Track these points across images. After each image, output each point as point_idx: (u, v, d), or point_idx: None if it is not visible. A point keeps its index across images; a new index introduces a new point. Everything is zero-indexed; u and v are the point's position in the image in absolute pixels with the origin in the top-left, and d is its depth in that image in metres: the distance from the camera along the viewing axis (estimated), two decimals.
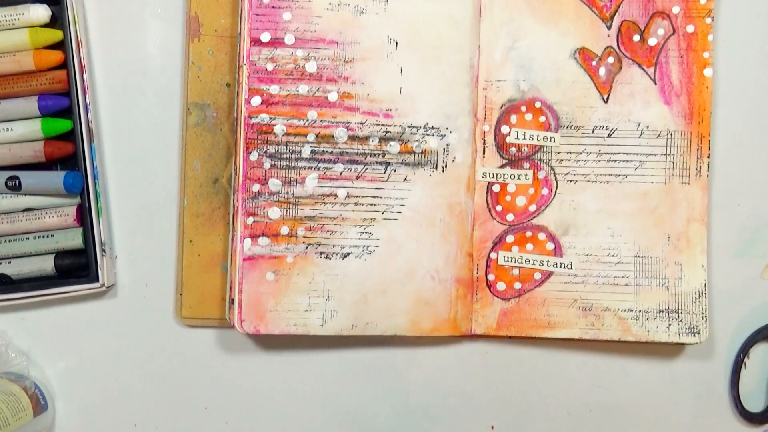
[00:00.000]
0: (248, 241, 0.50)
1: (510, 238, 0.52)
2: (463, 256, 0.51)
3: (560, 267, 0.51)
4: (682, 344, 0.52)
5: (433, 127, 0.51)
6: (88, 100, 0.52)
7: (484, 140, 0.51)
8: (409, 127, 0.51)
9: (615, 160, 0.51)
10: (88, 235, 0.51)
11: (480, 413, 0.54)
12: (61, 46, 0.51)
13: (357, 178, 0.51)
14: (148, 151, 0.53)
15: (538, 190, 0.51)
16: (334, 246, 0.51)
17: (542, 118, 0.51)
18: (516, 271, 0.51)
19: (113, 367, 0.53)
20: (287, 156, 0.50)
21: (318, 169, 0.51)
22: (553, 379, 0.54)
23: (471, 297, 0.51)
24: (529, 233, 0.52)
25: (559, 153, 0.51)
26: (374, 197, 0.51)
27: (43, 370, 0.53)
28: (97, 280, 0.51)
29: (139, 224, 0.53)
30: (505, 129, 0.51)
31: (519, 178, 0.51)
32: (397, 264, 0.51)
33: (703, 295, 0.51)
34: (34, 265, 0.51)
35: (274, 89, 0.50)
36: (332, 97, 0.51)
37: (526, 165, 0.51)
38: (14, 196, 0.51)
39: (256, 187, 0.50)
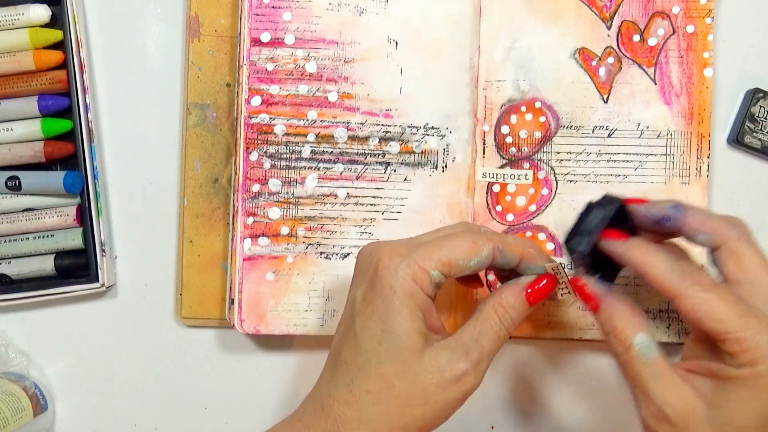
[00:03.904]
0: (248, 241, 0.50)
1: None
2: None
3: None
4: (682, 344, 0.52)
5: (433, 127, 0.51)
6: (88, 100, 0.52)
7: (484, 140, 0.51)
8: (409, 127, 0.51)
9: (615, 160, 0.51)
10: (88, 235, 0.51)
11: (480, 413, 0.54)
12: (61, 46, 0.51)
13: (357, 178, 0.51)
14: (148, 151, 0.53)
15: (538, 190, 0.51)
16: (334, 246, 0.51)
17: (542, 118, 0.51)
18: None
19: (113, 367, 0.53)
20: (287, 156, 0.50)
21: (318, 169, 0.51)
22: (553, 379, 0.54)
23: (471, 297, 0.51)
24: (529, 233, 0.52)
25: (559, 153, 0.51)
26: (374, 197, 0.51)
27: (43, 370, 0.53)
28: (97, 280, 0.51)
29: (139, 224, 0.53)
30: (505, 129, 0.51)
31: (519, 178, 0.51)
32: None
33: None
34: (34, 265, 0.51)
35: (274, 89, 0.50)
36: (332, 97, 0.51)
37: (526, 165, 0.51)
38: (14, 196, 0.51)
39: (256, 187, 0.50)
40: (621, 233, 0.39)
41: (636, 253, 0.38)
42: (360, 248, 0.42)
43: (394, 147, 0.51)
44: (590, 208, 0.41)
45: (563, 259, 0.51)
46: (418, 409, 0.37)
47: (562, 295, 0.41)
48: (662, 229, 0.41)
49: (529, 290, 0.40)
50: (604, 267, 0.41)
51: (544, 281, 0.40)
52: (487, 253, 0.39)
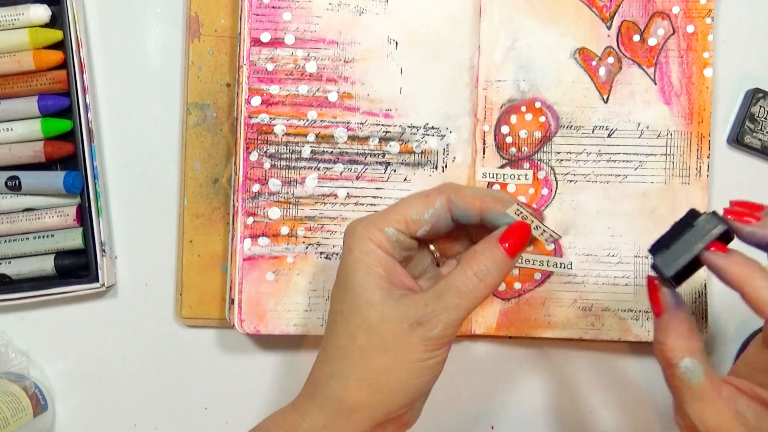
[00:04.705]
0: (248, 241, 0.50)
1: None
2: None
3: (560, 267, 0.51)
4: None
5: (433, 127, 0.51)
6: (88, 100, 0.52)
7: (484, 140, 0.51)
8: (409, 127, 0.51)
9: (615, 160, 0.51)
10: (88, 235, 0.51)
11: (480, 413, 0.54)
12: (61, 46, 0.51)
13: (357, 178, 0.51)
14: (148, 151, 0.53)
15: (538, 190, 0.51)
16: (334, 246, 0.51)
17: (542, 118, 0.51)
18: (516, 271, 0.51)
19: (113, 367, 0.53)
20: (287, 156, 0.50)
21: (318, 169, 0.51)
22: (553, 379, 0.54)
23: None
24: None
25: (559, 153, 0.51)
26: (374, 197, 0.51)
27: (43, 370, 0.53)
28: (97, 280, 0.51)
29: (139, 224, 0.53)
30: (505, 129, 0.51)
31: (519, 178, 0.51)
32: None
33: (703, 295, 0.51)
34: (34, 265, 0.51)
35: (274, 89, 0.50)
36: (332, 97, 0.51)
37: (526, 165, 0.51)
38: (14, 196, 0.51)
39: (256, 187, 0.50)
40: (724, 246, 0.37)
41: (735, 269, 0.36)
42: None
43: (394, 147, 0.51)
44: (691, 218, 0.37)
45: (563, 259, 0.51)
46: (379, 360, 0.38)
47: (545, 239, 0.39)
48: None
49: (506, 244, 0.38)
50: (683, 271, 0.38)
51: (517, 230, 0.39)
52: (440, 204, 0.39)
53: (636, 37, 0.51)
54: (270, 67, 0.50)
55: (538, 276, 0.51)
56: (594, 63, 0.51)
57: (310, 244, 0.50)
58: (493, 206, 0.39)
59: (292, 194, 0.50)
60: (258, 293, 0.50)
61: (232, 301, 0.50)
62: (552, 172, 0.51)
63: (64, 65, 0.51)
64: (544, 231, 0.39)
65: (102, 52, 0.53)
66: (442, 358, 0.38)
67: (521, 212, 0.39)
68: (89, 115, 0.52)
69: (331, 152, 0.51)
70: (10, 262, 0.51)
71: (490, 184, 0.51)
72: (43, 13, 0.50)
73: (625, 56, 0.51)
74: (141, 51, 0.53)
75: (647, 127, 0.51)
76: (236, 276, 0.50)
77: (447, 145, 0.51)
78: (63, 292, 0.51)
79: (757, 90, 0.52)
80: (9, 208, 0.51)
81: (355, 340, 0.38)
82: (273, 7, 0.50)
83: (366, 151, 0.51)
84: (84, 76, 0.51)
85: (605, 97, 0.51)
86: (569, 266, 0.51)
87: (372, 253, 0.39)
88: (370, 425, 0.38)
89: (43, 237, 0.51)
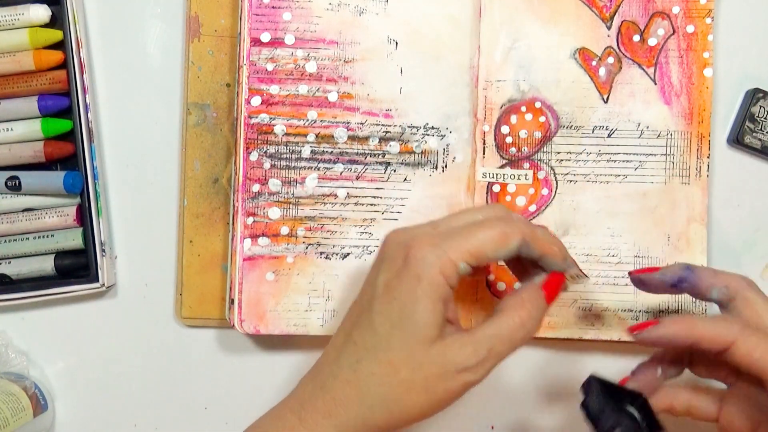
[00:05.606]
0: (248, 241, 0.50)
1: None
2: None
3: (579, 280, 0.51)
4: None
5: (433, 127, 0.51)
6: (88, 100, 0.52)
7: (484, 140, 0.51)
8: (409, 127, 0.51)
9: (615, 160, 0.51)
10: (88, 235, 0.51)
11: (480, 413, 0.54)
12: (61, 46, 0.51)
13: (357, 178, 0.51)
14: (148, 151, 0.53)
15: (538, 190, 0.51)
16: (334, 246, 0.51)
17: (542, 118, 0.51)
18: None
19: (113, 367, 0.53)
20: (287, 156, 0.50)
21: (318, 169, 0.51)
22: (553, 379, 0.54)
23: (471, 297, 0.51)
24: None
25: (559, 153, 0.51)
26: (374, 197, 0.51)
27: (43, 370, 0.53)
28: (97, 280, 0.51)
29: (139, 224, 0.53)
30: (505, 129, 0.51)
31: (519, 179, 0.51)
32: None
33: None
34: (34, 265, 0.51)
35: (274, 89, 0.50)
36: (332, 97, 0.51)
37: (526, 165, 0.51)
38: (14, 196, 0.51)
39: (256, 187, 0.50)
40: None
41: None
42: (387, 234, 0.41)
43: (394, 147, 0.51)
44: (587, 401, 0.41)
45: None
46: (418, 396, 0.38)
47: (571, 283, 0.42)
48: (678, 292, 0.43)
49: (545, 292, 0.40)
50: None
51: (559, 279, 0.41)
52: (515, 245, 0.39)
53: (636, 37, 0.51)
54: (270, 67, 0.50)
55: None
56: (594, 63, 0.51)
57: (310, 244, 0.50)
58: (556, 255, 0.41)
59: (292, 194, 0.50)
60: (258, 293, 0.50)
61: (232, 301, 0.50)
62: (552, 172, 0.51)
63: (64, 65, 0.51)
64: (577, 276, 0.42)
65: (102, 52, 0.53)
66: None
67: (575, 279, 0.42)
68: (89, 115, 0.52)
69: (331, 152, 0.51)
70: (10, 262, 0.51)
71: (490, 184, 0.51)
72: (43, 13, 0.50)
73: (625, 56, 0.51)
74: (141, 51, 0.53)
75: (647, 127, 0.51)
76: (236, 276, 0.50)
77: (447, 145, 0.51)
78: (63, 292, 0.51)
79: (757, 90, 0.52)
80: (9, 208, 0.51)
81: (398, 373, 0.38)
82: (273, 7, 0.50)
83: (366, 151, 0.51)
84: (84, 76, 0.51)
85: (605, 97, 0.51)
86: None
87: (440, 287, 0.38)
88: None
89: (43, 237, 0.51)
